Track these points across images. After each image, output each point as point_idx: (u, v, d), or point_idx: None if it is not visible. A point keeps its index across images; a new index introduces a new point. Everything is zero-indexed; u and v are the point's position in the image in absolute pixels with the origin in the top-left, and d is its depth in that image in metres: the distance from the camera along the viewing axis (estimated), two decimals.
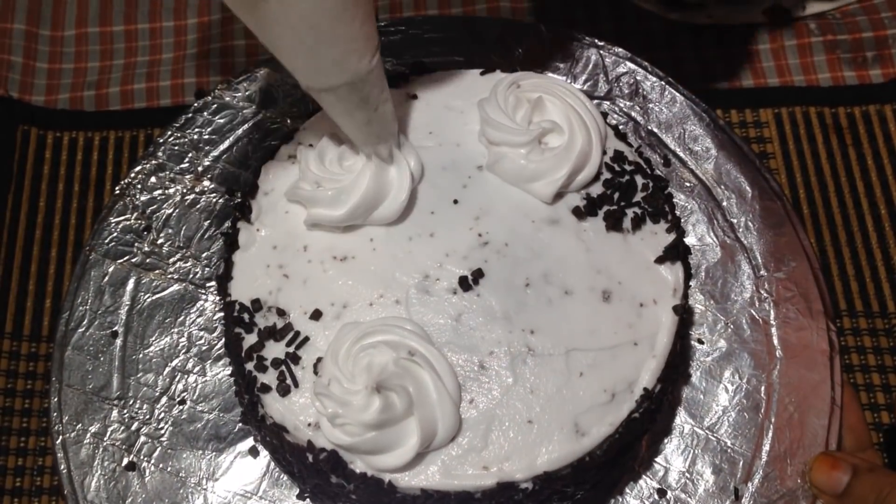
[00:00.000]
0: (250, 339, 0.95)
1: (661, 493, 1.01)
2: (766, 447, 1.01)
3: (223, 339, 1.07)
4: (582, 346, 0.93)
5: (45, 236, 1.27)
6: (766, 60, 1.39)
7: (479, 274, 0.96)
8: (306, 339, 0.94)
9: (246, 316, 0.95)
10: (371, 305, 0.95)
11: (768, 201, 1.16)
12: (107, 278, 1.10)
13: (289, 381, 0.92)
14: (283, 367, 0.93)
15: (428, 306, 0.95)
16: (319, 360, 0.92)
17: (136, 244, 1.12)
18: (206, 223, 1.14)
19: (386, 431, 0.87)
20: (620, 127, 1.15)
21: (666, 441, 1.04)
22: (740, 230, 1.14)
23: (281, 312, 0.95)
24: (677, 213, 1.07)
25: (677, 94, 1.21)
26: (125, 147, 1.33)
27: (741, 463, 1.01)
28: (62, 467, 1.04)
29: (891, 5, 1.42)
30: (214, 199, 1.15)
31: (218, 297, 1.09)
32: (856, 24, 1.40)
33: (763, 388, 1.05)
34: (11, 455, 1.14)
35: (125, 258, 1.11)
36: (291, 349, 0.93)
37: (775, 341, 1.07)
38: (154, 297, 1.10)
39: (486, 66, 1.09)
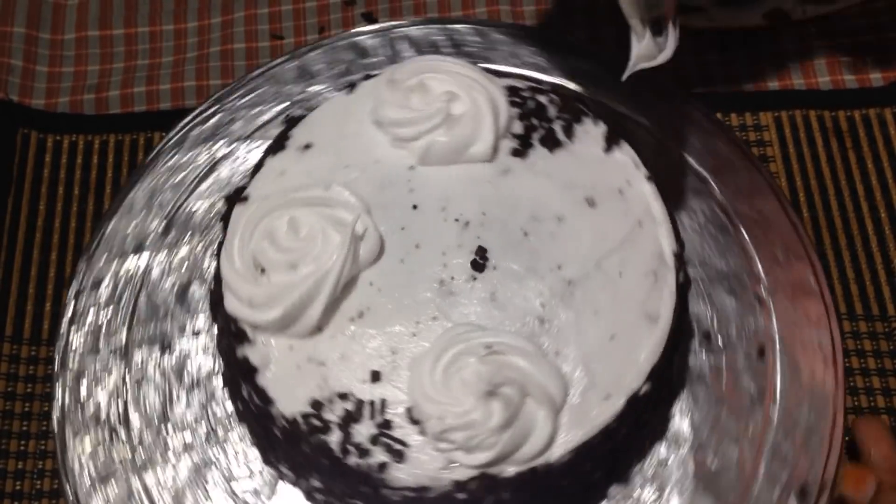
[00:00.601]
0: (335, 437, 0.91)
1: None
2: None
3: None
4: (604, 252, 0.98)
5: (45, 239, 1.28)
6: (766, 64, 1.40)
7: (482, 251, 0.98)
8: (383, 401, 0.92)
9: (315, 421, 0.92)
10: (415, 336, 0.95)
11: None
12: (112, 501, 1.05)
13: (397, 446, 0.90)
14: (384, 438, 0.90)
15: (462, 304, 0.96)
16: (409, 409, 0.91)
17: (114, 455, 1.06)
18: (171, 387, 1.09)
19: (516, 424, 0.88)
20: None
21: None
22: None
23: (343, 396, 0.92)
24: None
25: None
26: (125, 150, 1.34)
27: None
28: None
29: (891, 8, 1.43)
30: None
31: (258, 428, 1.04)
32: (856, 28, 1.41)
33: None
34: (11, 458, 1.15)
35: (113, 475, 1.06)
36: (378, 419, 0.91)
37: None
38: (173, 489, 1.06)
39: None
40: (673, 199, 1.15)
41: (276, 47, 1.44)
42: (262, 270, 0.94)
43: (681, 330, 1.03)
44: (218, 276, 0.98)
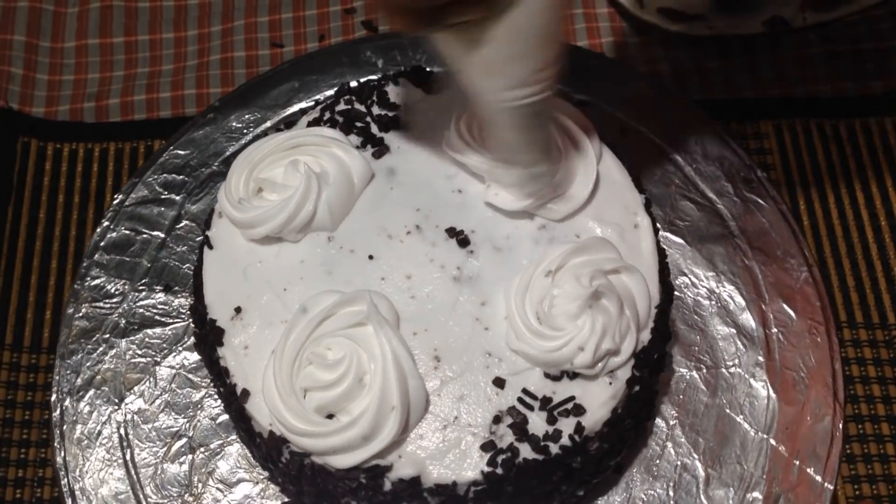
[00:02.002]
0: (526, 447, 0.93)
1: None
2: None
3: None
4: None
5: (46, 248, 1.30)
6: (767, 72, 1.42)
7: (452, 231, 1.04)
8: (525, 390, 0.95)
9: (504, 455, 0.93)
10: (487, 329, 0.99)
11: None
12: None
13: (571, 404, 0.95)
14: (557, 410, 0.94)
15: (485, 277, 1.02)
16: (546, 374, 0.96)
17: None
18: None
19: (623, 298, 0.97)
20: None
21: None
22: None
23: (497, 420, 0.95)
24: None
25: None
26: (125, 158, 1.36)
27: None
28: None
29: (891, 16, 1.45)
30: None
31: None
32: (856, 35, 1.43)
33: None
34: (12, 466, 1.17)
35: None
36: (537, 404, 0.95)
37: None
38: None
39: None
40: None
41: (276, 55, 1.46)
42: (331, 416, 0.94)
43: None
44: (305, 465, 0.95)
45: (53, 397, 1.14)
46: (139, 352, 1.18)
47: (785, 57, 1.43)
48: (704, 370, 1.15)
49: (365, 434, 0.90)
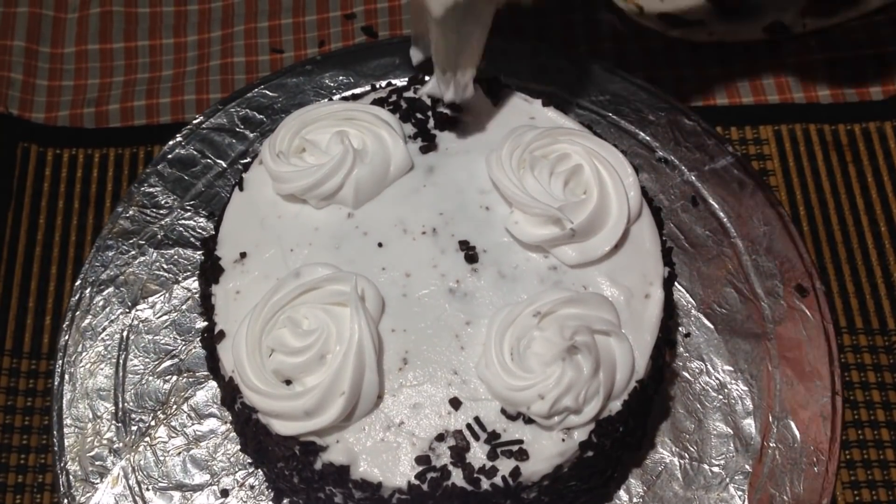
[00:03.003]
0: (459, 476, 0.94)
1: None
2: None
3: None
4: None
5: (45, 253, 1.32)
6: (766, 77, 1.43)
7: (464, 244, 1.04)
8: (476, 418, 0.96)
9: (432, 473, 0.94)
10: (464, 349, 0.99)
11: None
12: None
13: (514, 447, 0.95)
14: (499, 449, 0.95)
15: (480, 298, 1.02)
16: (502, 410, 0.96)
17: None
18: None
19: (603, 361, 0.95)
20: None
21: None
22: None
23: (440, 437, 0.96)
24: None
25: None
26: (125, 164, 1.38)
27: None
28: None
29: (891, 22, 1.46)
30: None
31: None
32: (856, 41, 1.45)
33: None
34: (11, 472, 1.18)
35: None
36: (483, 435, 0.95)
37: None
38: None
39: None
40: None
41: (276, 61, 1.48)
42: (289, 382, 0.96)
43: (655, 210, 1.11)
44: (251, 420, 0.98)
45: (78, 282, 1.22)
46: (165, 266, 1.24)
47: (785, 62, 1.44)
48: (687, 460, 1.12)
49: (308, 409, 0.93)
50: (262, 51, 1.49)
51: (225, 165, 1.30)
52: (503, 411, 0.96)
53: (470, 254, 1.04)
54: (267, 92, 1.35)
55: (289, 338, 0.96)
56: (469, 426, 0.95)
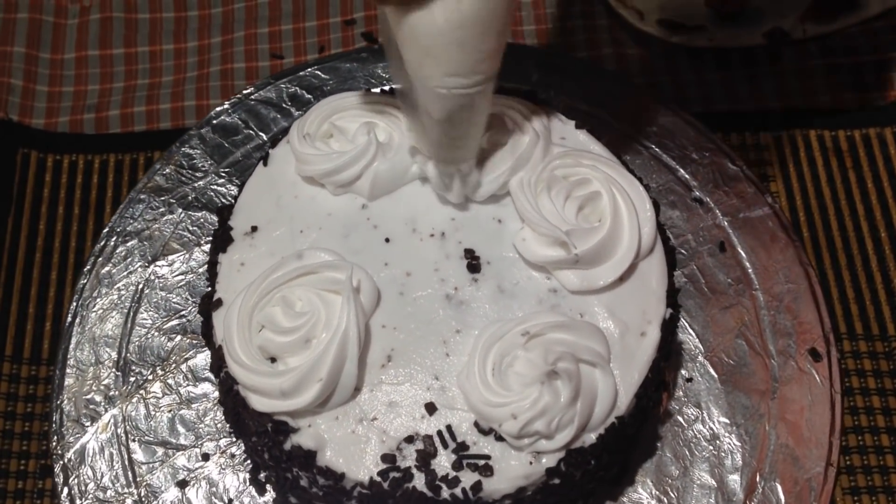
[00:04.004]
0: (420, 480, 0.94)
1: None
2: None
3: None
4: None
5: (45, 259, 1.33)
6: (767, 83, 1.45)
7: (470, 253, 1.04)
8: (448, 427, 0.96)
9: (395, 473, 0.95)
10: (449, 356, 0.99)
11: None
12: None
13: (481, 461, 0.94)
14: (466, 461, 0.95)
15: (475, 309, 1.02)
16: (475, 423, 0.96)
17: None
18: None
19: (583, 392, 0.94)
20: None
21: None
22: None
23: (409, 439, 0.96)
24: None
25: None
26: (125, 170, 1.39)
27: None
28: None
29: (891, 28, 1.47)
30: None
31: None
32: (856, 47, 1.46)
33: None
34: (11, 478, 1.19)
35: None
36: (452, 444, 0.95)
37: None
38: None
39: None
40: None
41: (276, 66, 1.49)
42: (273, 360, 0.97)
43: (669, 250, 1.10)
44: (232, 391, 1.00)
45: (106, 229, 1.28)
46: (190, 228, 1.29)
47: (785, 68, 1.45)
48: None
49: (284, 389, 0.94)
50: (262, 57, 1.50)
51: (265, 139, 1.34)
52: (476, 424, 0.96)
53: (473, 263, 1.04)
54: (319, 73, 1.39)
55: (279, 316, 0.97)
56: (440, 433, 0.96)
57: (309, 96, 1.36)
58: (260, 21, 1.53)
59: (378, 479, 0.94)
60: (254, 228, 1.07)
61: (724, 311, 1.22)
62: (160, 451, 1.15)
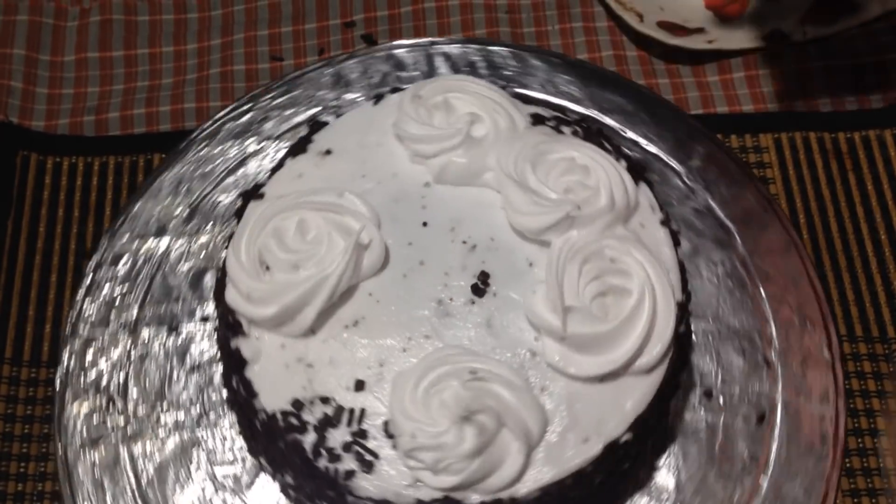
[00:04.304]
0: (310, 438, 0.96)
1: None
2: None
3: (264, 456, 1.10)
4: None
5: (45, 262, 1.33)
6: (766, 85, 1.45)
7: (484, 276, 1.02)
8: (363, 411, 0.96)
9: (294, 420, 0.97)
10: (405, 351, 0.99)
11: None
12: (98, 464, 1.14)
13: (368, 456, 0.94)
14: (356, 447, 0.95)
15: (457, 327, 1.00)
16: (386, 423, 0.95)
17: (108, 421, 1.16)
18: (172, 367, 1.19)
19: (488, 453, 0.91)
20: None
21: None
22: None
23: (325, 400, 0.97)
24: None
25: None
26: (125, 172, 1.39)
27: None
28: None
29: (891, 29, 1.48)
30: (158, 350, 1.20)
31: (239, 420, 1.13)
32: (856, 49, 1.46)
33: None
34: (11, 480, 1.19)
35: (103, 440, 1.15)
36: (355, 427, 0.96)
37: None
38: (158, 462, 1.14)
39: None
40: (692, 247, 1.22)
41: (276, 69, 1.49)
42: (267, 268, 0.99)
43: (676, 382, 1.06)
44: (224, 267, 1.03)
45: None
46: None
47: (785, 71, 1.46)
48: None
49: (250, 294, 0.98)
50: (262, 59, 1.51)
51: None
52: (385, 424, 0.95)
53: (480, 287, 1.02)
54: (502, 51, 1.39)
55: (290, 233, 1.00)
56: (352, 410, 0.96)
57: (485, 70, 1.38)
58: (260, 23, 1.53)
59: (278, 416, 0.96)
60: (328, 151, 1.10)
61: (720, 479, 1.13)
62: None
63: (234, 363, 1.01)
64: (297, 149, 1.11)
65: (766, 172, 1.38)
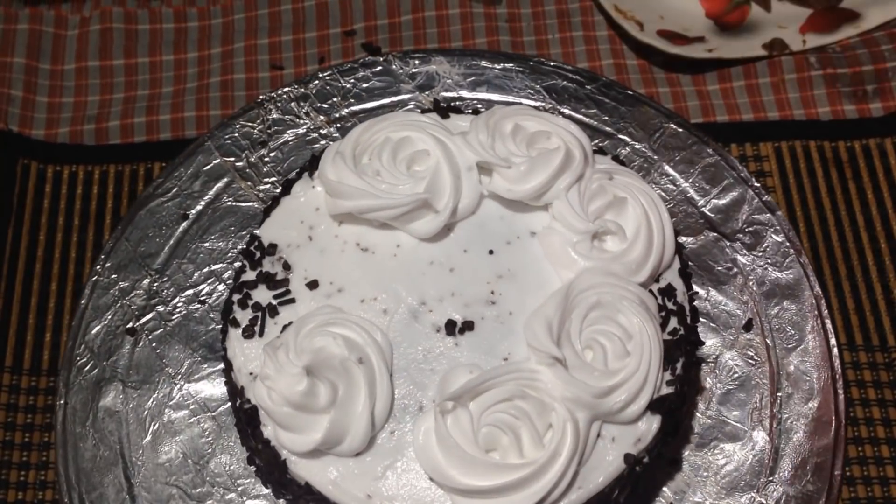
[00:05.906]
0: (249, 275, 1.07)
1: None
2: None
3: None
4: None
5: (45, 270, 1.34)
6: (766, 94, 1.47)
7: (468, 326, 1.04)
8: (292, 300, 1.05)
9: (258, 253, 1.07)
10: (362, 302, 1.05)
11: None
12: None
13: (257, 327, 1.04)
14: (259, 314, 1.04)
15: (407, 330, 1.04)
16: (289, 324, 1.02)
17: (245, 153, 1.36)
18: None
19: (300, 415, 0.96)
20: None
21: None
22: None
23: (286, 266, 1.06)
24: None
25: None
26: (125, 181, 1.41)
27: None
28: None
29: (891, 38, 1.49)
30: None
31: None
32: (856, 58, 1.48)
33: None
34: (11, 489, 1.21)
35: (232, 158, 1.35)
36: (276, 302, 1.05)
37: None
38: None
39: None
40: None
41: (276, 77, 1.51)
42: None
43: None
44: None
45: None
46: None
47: (785, 79, 1.47)
48: None
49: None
50: (262, 67, 1.52)
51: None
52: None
53: (455, 326, 1.04)
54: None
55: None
56: None
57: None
58: (260, 32, 1.55)
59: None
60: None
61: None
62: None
63: (285, 187, 1.14)
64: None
65: (767, 181, 1.39)
